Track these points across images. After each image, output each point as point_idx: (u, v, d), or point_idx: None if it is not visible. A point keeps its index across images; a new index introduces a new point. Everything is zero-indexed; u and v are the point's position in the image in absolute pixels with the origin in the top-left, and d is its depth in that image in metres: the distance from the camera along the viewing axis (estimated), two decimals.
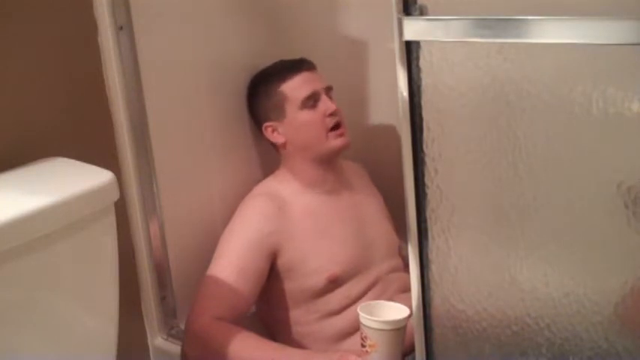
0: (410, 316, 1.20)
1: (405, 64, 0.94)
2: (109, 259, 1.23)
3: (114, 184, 1.20)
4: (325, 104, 1.51)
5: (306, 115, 1.51)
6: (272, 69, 1.59)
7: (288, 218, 1.48)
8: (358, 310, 1.26)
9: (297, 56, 1.59)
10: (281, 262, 1.47)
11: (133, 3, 1.39)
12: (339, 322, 1.49)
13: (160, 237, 1.51)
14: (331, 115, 1.51)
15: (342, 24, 1.80)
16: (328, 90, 1.54)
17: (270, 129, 1.56)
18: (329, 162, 1.54)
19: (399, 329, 1.24)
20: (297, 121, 1.52)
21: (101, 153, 1.39)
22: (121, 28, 1.39)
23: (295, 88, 1.53)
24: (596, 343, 0.91)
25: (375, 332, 1.23)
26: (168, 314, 1.56)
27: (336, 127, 1.52)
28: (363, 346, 1.26)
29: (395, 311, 1.26)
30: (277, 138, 1.56)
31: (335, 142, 1.51)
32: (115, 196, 1.21)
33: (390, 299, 1.50)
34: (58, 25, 1.32)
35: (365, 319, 1.24)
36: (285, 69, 1.55)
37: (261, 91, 1.58)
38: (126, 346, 1.33)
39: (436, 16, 0.92)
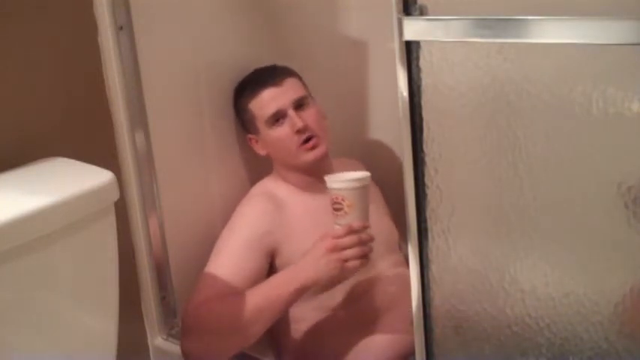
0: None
1: (405, 64, 0.94)
2: (109, 259, 1.23)
3: (114, 184, 1.20)
4: (291, 121, 1.48)
5: (274, 133, 1.50)
6: (245, 82, 1.58)
7: (286, 217, 1.48)
8: (326, 178, 1.36)
9: (296, 57, 1.59)
10: (280, 262, 1.47)
11: (133, 3, 1.39)
12: (342, 318, 1.49)
13: (160, 237, 1.51)
14: (299, 131, 1.48)
15: (342, 24, 1.80)
16: (298, 102, 1.50)
17: (253, 140, 1.58)
18: (315, 168, 1.52)
19: (368, 185, 1.35)
20: (268, 138, 1.52)
21: (101, 153, 1.39)
22: (121, 28, 1.39)
23: (261, 106, 1.51)
24: (596, 343, 0.91)
25: (350, 192, 1.33)
26: (169, 314, 1.56)
27: (307, 140, 1.49)
28: (338, 210, 1.34)
29: (355, 174, 1.39)
30: (259, 150, 1.57)
31: (306, 156, 1.49)
32: (115, 196, 1.21)
33: (394, 296, 1.50)
34: (58, 25, 1.32)
35: (339, 182, 1.34)
36: (253, 84, 1.54)
37: (237, 104, 1.59)
38: (126, 346, 1.33)
39: (436, 16, 0.92)
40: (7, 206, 1.08)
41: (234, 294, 1.37)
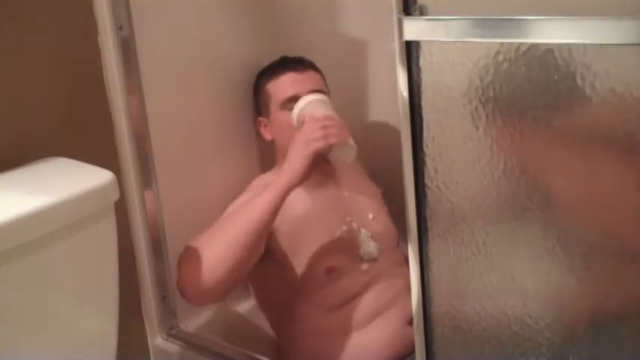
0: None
1: (405, 64, 0.94)
2: (109, 259, 1.23)
3: (114, 184, 1.20)
4: None
5: (284, 117, 1.51)
6: (270, 65, 1.60)
7: (282, 209, 1.48)
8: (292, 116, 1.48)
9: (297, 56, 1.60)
10: (276, 247, 1.47)
11: (133, 3, 1.39)
12: (343, 317, 1.50)
13: (160, 237, 1.51)
14: None
15: (342, 24, 1.80)
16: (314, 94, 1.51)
17: (262, 123, 1.60)
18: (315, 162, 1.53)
19: (323, 99, 1.48)
20: (277, 122, 1.54)
21: (101, 153, 1.39)
22: (121, 28, 1.39)
23: (279, 88, 1.53)
24: (596, 343, 0.91)
25: (307, 108, 1.46)
26: (169, 314, 1.56)
27: None
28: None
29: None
30: (266, 134, 1.59)
31: None
32: (115, 196, 1.21)
33: (394, 295, 1.50)
34: (58, 25, 1.32)
35: (297, 108, 1.47)
36: (276, 67, 1.56)
37: (256, 86, 1.61)
38: (126, 346, 1.33)
39: (436, 16, 0.92)
40: (7, 206, 1.08)
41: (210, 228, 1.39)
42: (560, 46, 0.84)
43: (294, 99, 1.50)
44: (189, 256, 1.36)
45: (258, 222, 1.33)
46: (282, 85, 1.53)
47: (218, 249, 1.33)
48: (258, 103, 1.61)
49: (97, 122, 1.41)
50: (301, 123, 1.44)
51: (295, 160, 1.35)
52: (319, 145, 1.34)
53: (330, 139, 1.34)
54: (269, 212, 1.34)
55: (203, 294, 1.36)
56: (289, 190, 1.35)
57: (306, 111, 1.45)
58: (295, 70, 1.54)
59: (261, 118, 1.59)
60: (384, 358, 1.48)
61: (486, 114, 0.92)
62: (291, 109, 1.50)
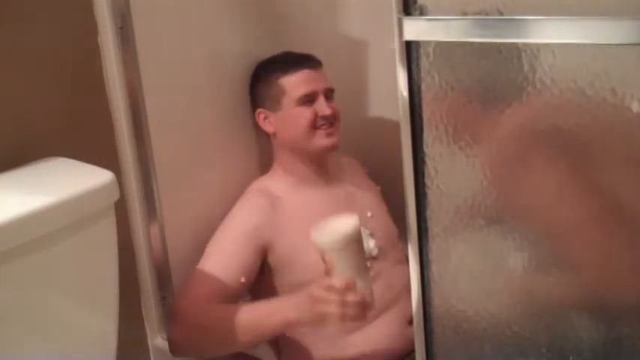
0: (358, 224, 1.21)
1: (405, 64, 0.94)
2: (109, 259, 1.23)
3: (114, 184, 1.20)
4: (320, 106, 1.52)
5: (297, 112, 1.52)
6: (278, 59, 1.60)
7: (280, 214, 1.49)
8: (312, 230, 1.23)
9: None
10: (273, 259, 1.47)
11: (133, 3, 1.39)
12: None
13: (160, 237, 1.51)
14: (324, 117, 1.51)
15: (342, 24, 1.80)
16: (328, 92, 1.55)
17: (262, 115, 1.58)
18: (317, 158, 1.55)
19: (352, 240, 1.21)
20: (289, 116, 1.53)
21: (101, 153, 1.39)
22: (121, 28, 1.39)
23: (295, 84, 1.53)
24: (597, 344, 0.91)
25: (331, 250, 1.21)
26: (169, 314, 1.56)
27: (326, 127, 1.52)
28: (324, 262, 1.24)
29: (343, 224, 1.23)
30: (267, 126, 1.58)
31: (321, 141, 1.52)
32: (115, 196, 1.21)
33: (395, 294, 1.50)
34: (58, 25, 1.32)
35: (319, 237, 1.22)
36: (290, 63, 1.56)
37: (262, 78, 1.60)
38: (126, 346, 1.33)
39: (436, 16, 0.92)
40: (7, 206, 1.08)
41: (226, 305, 1.37)
42: (560, 46, 0.84)
43: (311, 96, 1.52)
44: (187, 339, 1.41)
45: (253, 342, 1.39)
46: (299, 82, 1.53)
47: (211, 345, 1.39)
48: (262, 95, 1.59)
49: (97, 122, 1.41)
50: (321, 253, 1.24)
51: (306, 312, 1.27)
52: (331, 326, 1.32)
53: (345, 319, 1.23)
54: (266, 336, 1.40)
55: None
56: (291, 326, 1.37)
57: (329, 250, 1.22)
58: (311, 67, 1.55)
59: (261, 110, 1.58)
60: (384, 358, 1.48)
61: (486, 114, 0.92)
62: (306, 105, 1.51)
